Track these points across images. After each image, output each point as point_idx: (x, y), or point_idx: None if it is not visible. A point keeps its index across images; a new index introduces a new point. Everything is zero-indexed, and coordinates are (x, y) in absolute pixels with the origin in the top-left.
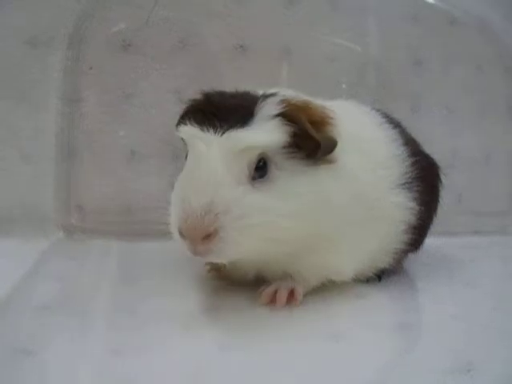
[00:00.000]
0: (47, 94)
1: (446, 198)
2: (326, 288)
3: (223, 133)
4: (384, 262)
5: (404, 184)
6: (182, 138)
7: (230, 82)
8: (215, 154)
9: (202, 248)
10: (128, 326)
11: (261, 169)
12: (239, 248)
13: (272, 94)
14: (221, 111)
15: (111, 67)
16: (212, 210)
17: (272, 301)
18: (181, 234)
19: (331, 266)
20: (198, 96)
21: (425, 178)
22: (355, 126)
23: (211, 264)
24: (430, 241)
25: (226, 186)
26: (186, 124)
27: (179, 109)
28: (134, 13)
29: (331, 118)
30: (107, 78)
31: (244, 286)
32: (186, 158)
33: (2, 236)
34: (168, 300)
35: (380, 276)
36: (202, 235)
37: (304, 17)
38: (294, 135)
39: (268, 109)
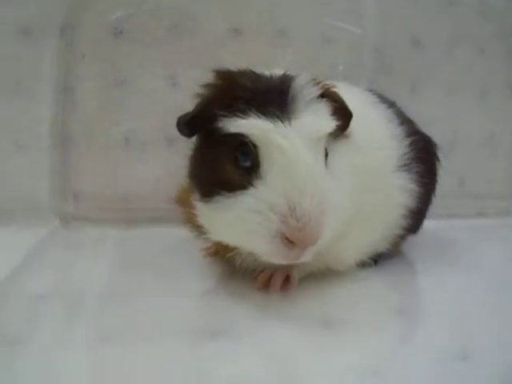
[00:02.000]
0: (41, 83)
1: (447, 180)
2: (322, 272)
3: (288, 121)
4: (382, 246)
5: (404, 165)
6: (237, 133)
7: (226, 66)
8: (300, 147)
9: (310, 250)
10: (123, 313)
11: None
12: (326, 241)
13: (288, 74)
14: (260, 96)
15: (104, 54)
16: (323, 211)
17: (267, 286)
18: (288, 242)
19: (334, 255)
20: (215, 79)
21: (423, 158)
22: (353, 105)
23: (207, 249)
24: (431, 224)
25: (324, 181)
26: (240, 117)
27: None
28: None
29: None
30: (100, 66)
31: (241, 270)
32: (208, 148)
33: None
34: (164, 287)
35: (376, 260)
36: (318, 238)
37: None
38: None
39: (308, 90)
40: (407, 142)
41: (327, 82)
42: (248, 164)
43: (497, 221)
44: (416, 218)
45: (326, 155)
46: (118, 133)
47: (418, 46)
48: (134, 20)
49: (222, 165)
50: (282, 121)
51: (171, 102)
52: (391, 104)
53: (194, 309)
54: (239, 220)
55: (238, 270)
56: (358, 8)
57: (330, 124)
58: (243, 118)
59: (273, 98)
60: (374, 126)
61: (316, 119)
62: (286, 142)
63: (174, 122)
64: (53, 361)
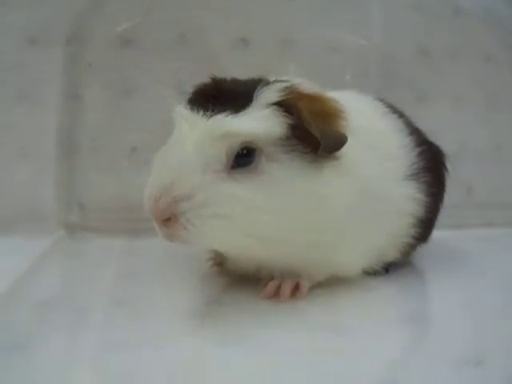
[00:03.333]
0: (47, 92)
1: (455, 190)
2: (332, 281)
3: (211, 116)
4: (391, 255)
5: (412, 175)
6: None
7: (233, 76)
8: (193, 136)
9: (165, 231)
10: (128, 322)
11: (243, 158)
12: (205, 238)
13: (278, 81)
14: (221, 96)
15: (111, 63)
16: (170, 194)
17: (276, 294)
18: None
19: (338, 263)
20: (207, 80)
21: (431, 168)
22: (361, 117)
23: (213, 259)
24: (439, 234)
25: (192, 169)
26: (180, 104)
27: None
28: (134, 8)
29: (342, 112)
30: (107, 74)
31: (248, 281)
32: None
33: (3, 234)
34: (169, 297)
35: (387, 269)
36: (159, 218)
37: (306, 7)
38: (295, 127)
39: (266, 96)
40: (416, 152)
41: (306, 92)
42: None
43: (504, 230)
44: (425, 227)
45: (245, 159)
46: (124, 142)
47: (425, 55)
48: (142, 29)
49: None
50: (204, 114)
51: None
52: (401, 114)
53: (200, 318)
54: None
55: (243, 280)
56: (364, 17)
57: (247, 127)
58: (178, 106)
59: (231, 99)
60: (379, 139)
61: (235, 119)
62: (184, 128)
63: None
64: (57, 369)
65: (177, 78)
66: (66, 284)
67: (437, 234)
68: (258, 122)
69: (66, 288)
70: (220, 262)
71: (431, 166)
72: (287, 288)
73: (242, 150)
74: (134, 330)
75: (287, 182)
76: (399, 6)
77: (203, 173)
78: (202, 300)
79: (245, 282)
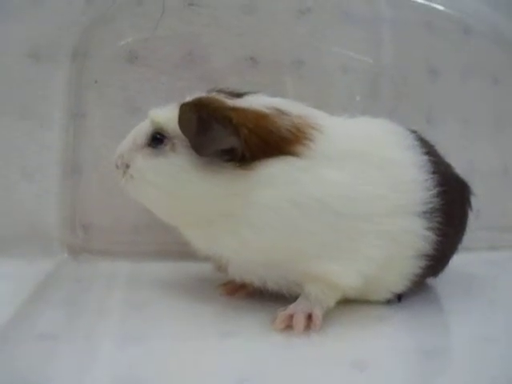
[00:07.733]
0: (51, 109)
1: None
2: (346, 311)
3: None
4: (401, 284)
5: (424, 213)
6: None
7: None
8: (143, 123)
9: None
10: (136, 352)
11: (155, 140)
12: (130, 191)
13: (222, 90)
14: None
15: (117, 80)
16: (119, 156)
17: (289, 326)
18: None
19: (326, 270)
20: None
21: (450, 210)
22: (359, 143)
23: (225, 285)
24: None
25: (129, 141)
26: None
27: None
28: (141, 24)
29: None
30: (113, 92)
31: (260, 308)
32: None
33: (4, 256)
34: (178, 324)
35: (400, 297)
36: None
37: (315, 27)
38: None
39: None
40: (434, 191)
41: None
42: None
43: (511, 254)
44: (434, 262)
45: (157, 142)
46: None
47: (435, 76)
48: (148, 46)
49: None
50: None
51: None
52: (430, 151)
53: (211, 351)
54: None
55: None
56: (374, 37)
57: (155, 115)
58: None
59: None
60: (389, 167)
61: (159, 110)
62: (148, 118)
63: None
64: None
65: (184, 95)
66: (71, 311)
67: None
68: (169, 115)
69: (71, 316)
70: (231, 290)
71: (450, 208)
72: (300, 319)
73: (156, 134)
74: (143, 361)
75: (172, 171)
76: (409, 26)
77: (133, 144)
78: (214, 331)
79: (258, 309)
